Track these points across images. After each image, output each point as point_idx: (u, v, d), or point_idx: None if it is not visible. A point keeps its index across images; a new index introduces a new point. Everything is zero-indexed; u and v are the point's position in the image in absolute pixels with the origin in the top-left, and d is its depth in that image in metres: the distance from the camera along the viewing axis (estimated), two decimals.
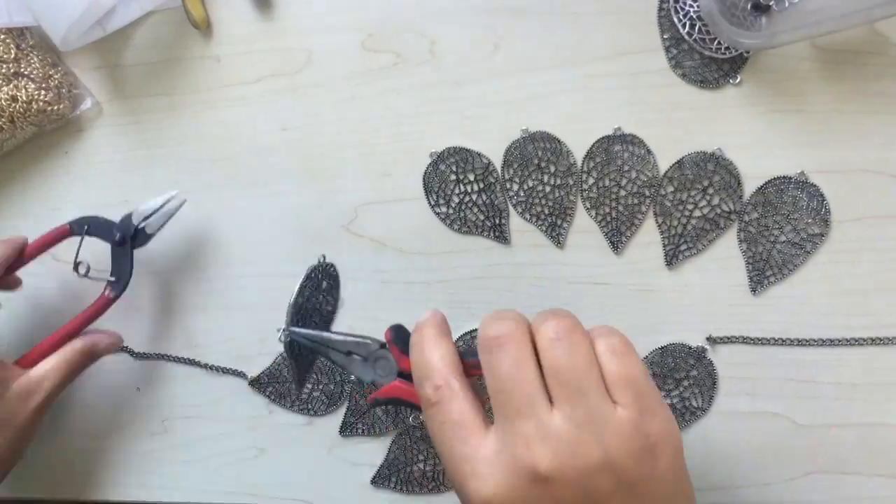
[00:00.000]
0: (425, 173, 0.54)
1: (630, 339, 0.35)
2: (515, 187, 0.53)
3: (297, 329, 0.44)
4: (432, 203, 0.54)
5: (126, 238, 0.52)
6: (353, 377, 0.53)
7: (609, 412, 0.33)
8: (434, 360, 0.36)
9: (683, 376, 0.51)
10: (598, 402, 0.33)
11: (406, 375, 0.40)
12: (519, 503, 0.32)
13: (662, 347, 0.51)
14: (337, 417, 0.56)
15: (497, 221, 0.53)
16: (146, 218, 0.52)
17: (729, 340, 0.50)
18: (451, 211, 0.54)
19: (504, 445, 0.33)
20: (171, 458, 0.58)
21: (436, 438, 0.35)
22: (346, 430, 0.55)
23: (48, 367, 0.50)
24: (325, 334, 0.43)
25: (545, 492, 0.32)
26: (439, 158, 0.54)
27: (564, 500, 0.32)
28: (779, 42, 0.46)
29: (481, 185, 0.53)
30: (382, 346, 0.42)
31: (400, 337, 0.41)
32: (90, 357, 0.52)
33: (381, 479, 0.55)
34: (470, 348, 0.38)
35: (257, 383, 0.56)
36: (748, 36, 0.46)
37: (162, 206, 0.53)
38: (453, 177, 0.54)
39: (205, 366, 0.57)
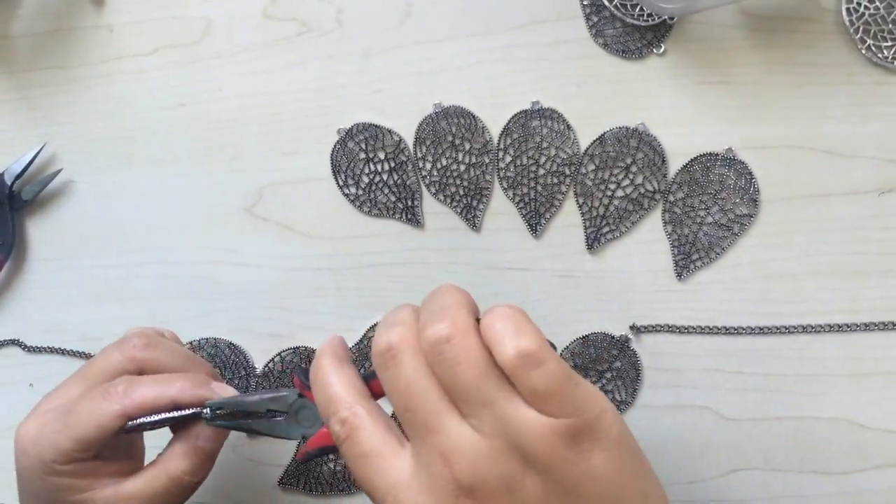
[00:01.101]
0: (333, 151, 0.50)
1: (523, 312, 0.31)
2: (428, 166, 0.49)
3: (212, 404, 0.38)
4: (340, 184, 0.50)
5: (2, 199, 0.51)
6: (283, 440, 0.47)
7: (520, 416, 0.30)
8: (335, 392, 0.33)
9: (606, 368, 0.47)
10: (505, 408, 0.30)
11: None
12: None
13: (584, 337, 0.48)
14: None
15: (409, 203, 0.49)
16: (18, 177, 0.51)
17: (653, 329, 0.47)
18: (360, 192, 0.50)
19: (421, 466, 0.31)
20: None
21: (355, 474, 0.32)
22: None
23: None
24: (238, 400, 0.38)
25: None
26: (348, 135, 0.50)
27: None
28: (702, 6, 0.42)
29: (392, 164, 0.50)
30: (299, 395, 0.37)
31: (309, 378, 0.36)
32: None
33: (289, 479, 0.51)
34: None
35: None
36: (670, 0, 0.42)
37: (32, 161, 0.52)
38: (363, 155, 0.50)
39: None
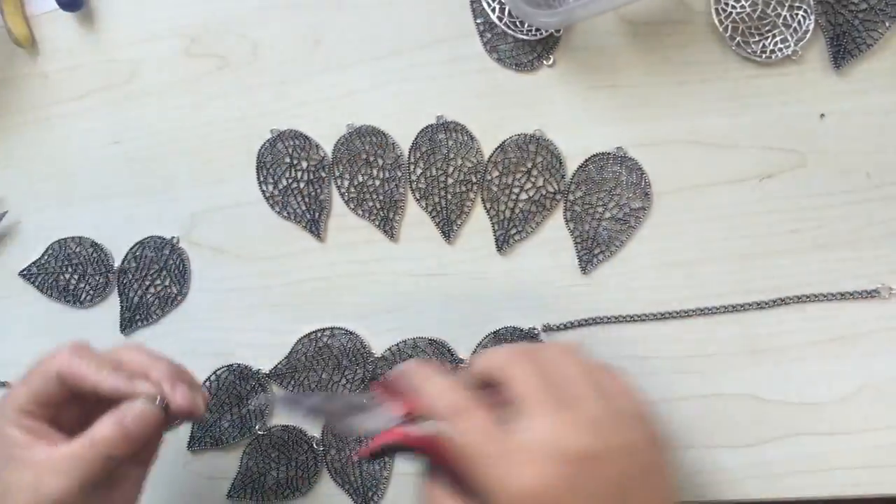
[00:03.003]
0: (261, 148, 0.53)
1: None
2: (346, 184, 0.52)
3: (290, 398, 0.42)
4: (260, 179, 0.53)
5: None
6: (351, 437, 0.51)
7: (621, 409, 0.37)
8: (450, 384, 0.37)
9: None
10: (615, 399, 0.37)
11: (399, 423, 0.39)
12: (570, 483, 0.33)
13: (495, 332, 0.50)
14: (188, 432, 0.55)
15: (315, 216, 0.52)
16: None
17: (564, 328, 0.50)
18: (276, 192, 0.53)
19: (547, 434, 0.34)
20: None
21: (469, 444, 0.35)
22: (195, 443, 0.54)
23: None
24: (322, 400, 0.42)
25: (589, 472, 0.33)
26: (279, 137, 0.53)
27: (603, 480, 0.34)
28: (577, 17, 0.46)
29: (311, 177, 0.53)
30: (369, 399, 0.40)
31: (390, 384, 0.39)
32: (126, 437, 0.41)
33: (237, 491, 0.54)
34: None
35: None
36: (546, 14, 0.45)
37: None
38: (287, 160, 0.53)
39: None
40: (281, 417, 0.53)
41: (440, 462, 0.37)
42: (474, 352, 0.51)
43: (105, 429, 0.40)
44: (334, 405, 0.40)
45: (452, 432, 0.36)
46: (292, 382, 0.53)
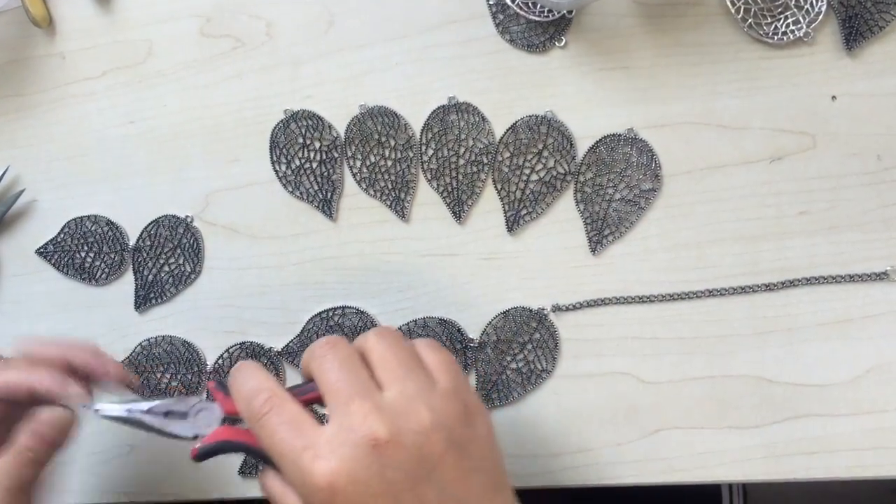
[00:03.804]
0: (275, 128, 0.54)
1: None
2: (359, 164, 0.53)
3: (103, 405, 0.41)
4: (274, 159, 0.54)
5: None
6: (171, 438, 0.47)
7: (433, 385, 0.37)
8: (260, 379, 0.38)
9: (527, 339, 0.50)
10: (423, 378, 0.37)
11: (232, 421, 0.40)
12: (362, 472, 0.34)
13: (505, 312, 0.51)
14: None
15: (327, 196, 0.53)
16: None
17: (573, 308, 0.50)
18: (288, 172, 0.54)
19: (342, 426, 0.35)
20: None
21: (273, 442, 0.36)
22: None
23: None
24: (136, 406, 0.41)
25: (385, 457, 0.34)
26: (292, 118, 0.54)
27: (403, 463, 0.34)
28: None
29: (323, 157, 0.53)
30: (205, 399, 0.41)
31: (223, 383, 0.40)
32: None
33: (249, 467, 0.54)
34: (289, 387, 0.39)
35: None
36: None
37: None
38: (301, 140, 0.54)
39: None
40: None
41: (262, 451, 0.38)
42: (483, 332, 0.51)
43: (22, 436, 0.41)
44: (162, 412, 0.41)
45: (258, 434, 0.37)
46: None
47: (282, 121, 0.54)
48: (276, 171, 0.54)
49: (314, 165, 0.53)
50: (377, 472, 0.34)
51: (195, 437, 0.41)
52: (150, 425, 0.41)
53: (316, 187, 0.53)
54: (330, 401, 0.36)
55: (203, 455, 0.39)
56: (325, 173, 0.53)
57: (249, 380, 0.38)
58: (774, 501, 0.89)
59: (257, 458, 0.39)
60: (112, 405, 0.41)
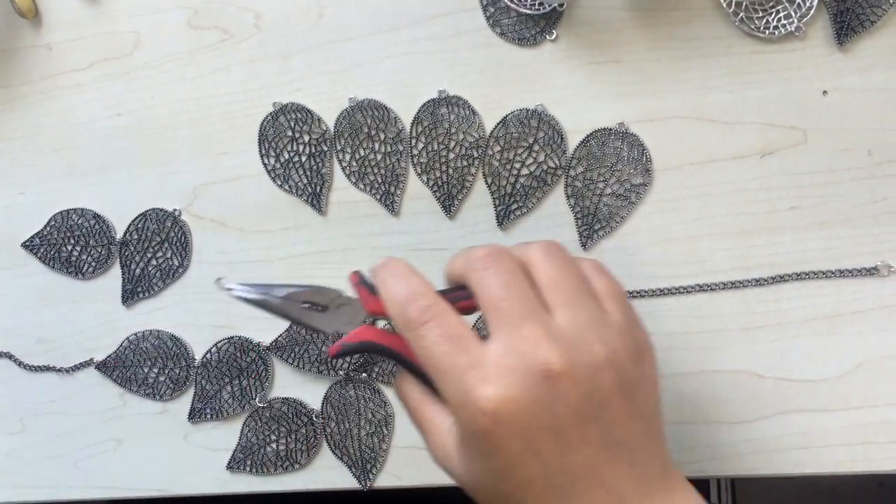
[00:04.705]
0: (263, 121, 0.53)
1: None
2: (348, 157, 0.53)
3: (239, 285, 0.38)
4: (262, 152, 0.53)
5: None
6: (308, 329, 0.47)
7: (606, 316, 0.34)
8: (415, 283, 0.35)
9: None
10: (594, 306, 0.34)
11: (374, 322, 0.37)
12: (531, 402, 0.32)
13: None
14: (189, 403, 0.55)
15: (316, 190, 0.52)
16: None
17: None
18: (277, 165, 0.53)
19: (511, 349, 0.32)
20: (32, 455, 0.57)
21: (431, 354, 0.34)
22: (195, 415, 0.55)
23: None
24: (277, 284, 0.38)
25: (555, 389, 0.32)
26: (281, 111, 0.53)
27: (572, 398, 0.32)
28: None
29: (312, 150, 0.53)
30: (339, 295, 0.38)
31: (366, 280, 0.38)
32: None
33: (237, 463, 0.54)
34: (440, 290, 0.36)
35: (104, 367, 0.55)
36: None
37: None
38: (289, 133, 0.53)
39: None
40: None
41: (409, 358, 0.36)
42: (473, 327, 0.51)
43: None
44: (300, 300, 0.38)
45: (413, 343, 0.34)
46: (292, 355, 0.53)
47: (270, 114, 0.53)
48: (265, 165, 0.53)
49: (303, 159, 0.53)
50: (546, 404, 0.32)
51: (336, 334, 0.38)
52: (287, 313, 0.38)
53: (305, 181, 0.53)
54: (494, 318, 0.33)
55: (343, 354, 0.37)
56: (315, 167, 0.53)
57: (402, 282, 0.36)
58: (762, 496, 0.89)
59: (402, 365, 0.37)
60: (245, 286, 0.38)
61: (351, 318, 0.38)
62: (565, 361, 0.32)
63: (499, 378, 0.32)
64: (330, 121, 0.53)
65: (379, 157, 0.52)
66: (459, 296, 0.36)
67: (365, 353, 0.38)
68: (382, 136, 0.52)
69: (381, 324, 0.47)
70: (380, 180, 0.52)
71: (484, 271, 0.34)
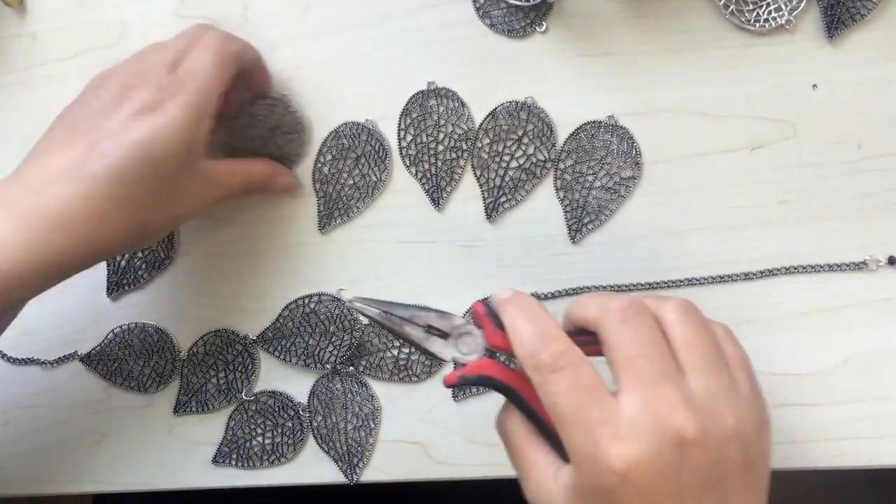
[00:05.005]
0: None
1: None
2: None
3: (359, 299, 0.38)
4: None
5: None
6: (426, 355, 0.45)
7: (737, 386, 0.34)
8: (547, 325, 0.34)
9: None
10: (727, 376, 0.34)
11: (491, 354, 0.37)
12: (661, 466, 0.31)
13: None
14: (174, 397, 0.55)
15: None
16: None
17: (552, 296, 0.50)
18: None
19: (646, 409, 0.32)
20: (15, 450, 0.57)
21: (561, 405, 0.33)
22: (181, 408, 0.54)
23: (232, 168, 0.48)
24: (399, 304, 0.38)
25: (685, 457, 0.32)
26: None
27: (699, 467, 0.32)
28: None
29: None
30: (465, 323, 0.38)
31: (493, 311, 0.37)
32: (266, 184, 0.50)
33: (222, 456, 0.54)
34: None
35: (88, 360, 0.54)
36: None
37: None
38: None
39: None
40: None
41: (525, 398, 0.35)
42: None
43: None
44: (423, 323, 0.38)
45: (542, 388, 0.33)
46: (279, 348, 0.53)
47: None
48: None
49: None
50: (674, 470, 0.31)
51: (453, 363, 0.37)
52: (407, 335, 0.37)
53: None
54: (628, 374, 0.33)
55: (461, 384, 0.36)
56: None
57: (534, 322, 0.35)
58: None
59: (515, 404, 0.36)
60: (367, 303, 0.38)
61: (471, 348, 0.37)
62: (699, 430, 0.32)
63: (633, 438, 0.31)
64: (316, 114, 0.52)
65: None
66: (584, 340, 0.35)
67: (483, 386, 0.37)
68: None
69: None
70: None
71: (622, 323, 0.34)
